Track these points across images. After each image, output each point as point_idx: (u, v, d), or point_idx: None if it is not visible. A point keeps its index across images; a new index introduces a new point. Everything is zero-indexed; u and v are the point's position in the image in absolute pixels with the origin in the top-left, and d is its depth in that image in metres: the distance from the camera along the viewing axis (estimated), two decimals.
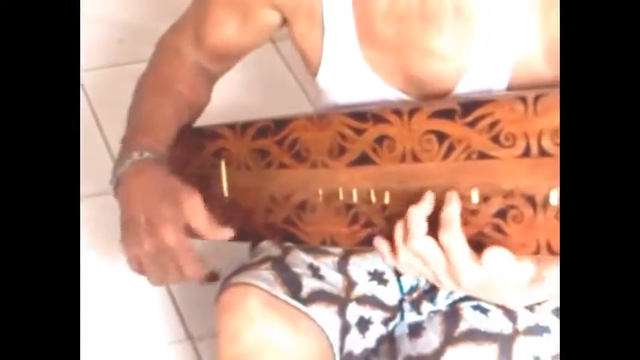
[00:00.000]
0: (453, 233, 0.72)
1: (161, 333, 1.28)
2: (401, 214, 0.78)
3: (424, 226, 0.73)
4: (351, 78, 0.87)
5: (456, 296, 0.93)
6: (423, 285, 0.96)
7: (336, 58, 0.87)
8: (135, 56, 1.46)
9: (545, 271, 0.75)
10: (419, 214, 0.73)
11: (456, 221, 0.73)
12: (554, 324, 0.90)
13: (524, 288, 0.76)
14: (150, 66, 1.02)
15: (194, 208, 0.85)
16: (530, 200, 0.73)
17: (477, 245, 0.76)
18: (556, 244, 0.73)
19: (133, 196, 0.87)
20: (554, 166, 0.71)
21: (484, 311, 0.90)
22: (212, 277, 0.97)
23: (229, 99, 1.27)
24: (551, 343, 0.90)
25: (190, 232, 0.86)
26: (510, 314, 0.89)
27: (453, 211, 0.73)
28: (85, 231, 1.16)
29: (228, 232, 0.88)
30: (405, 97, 0.85)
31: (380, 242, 0.77)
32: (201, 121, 1.02)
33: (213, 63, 0.99)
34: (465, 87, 0.81)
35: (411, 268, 0.78)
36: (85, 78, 1.43)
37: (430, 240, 0.73)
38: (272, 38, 1.10)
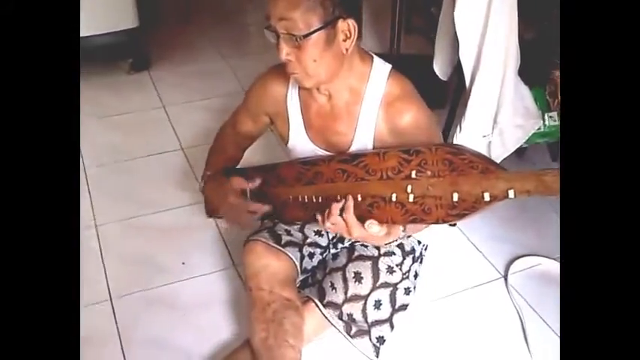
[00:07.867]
0: (350, 213, 1.05)
1: (213, 263, 1.61)
2: (326, 206, 1.07)
3: (338, 211, 1.05)
4: (302, 145, 1.24)
5: (353, 240, 1.33)
6: (338, 236, 1.39)
7: (295, 137, 1.24)
8: None
9: (392, 230, 1.05)
10: (337, 206, 1.05)
11: (350, 208, 1.04)
12: (397, 250, 1.31)
13: (382, 238, 1.08)
14: (215, 139, 1.47)
15: (238, 183, 1.28)
16: (383, 199, 1.03)
17: (361, 219, 1.05)
18: (397, 219, 1.01)
19: (209, 190, 1.37)
20: (392, 181, 1.00)
21: (365, 246, 1.33)
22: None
23: (248, 156, 1.55)
24: (393, 260, 1.30)
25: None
26: (377, 248, 1.31)
27: (348, 204, 1.05)
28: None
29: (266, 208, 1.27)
30: (327, 152, 1.20)
31: (319, 218, 1.07)
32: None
33: (243, 141, 1.43)
34: (354, 148, 1.16)
35: (331, 228, 1.08)
36: None
37: (339, 217, 1.04)
38: (269, 128, 1.43)
